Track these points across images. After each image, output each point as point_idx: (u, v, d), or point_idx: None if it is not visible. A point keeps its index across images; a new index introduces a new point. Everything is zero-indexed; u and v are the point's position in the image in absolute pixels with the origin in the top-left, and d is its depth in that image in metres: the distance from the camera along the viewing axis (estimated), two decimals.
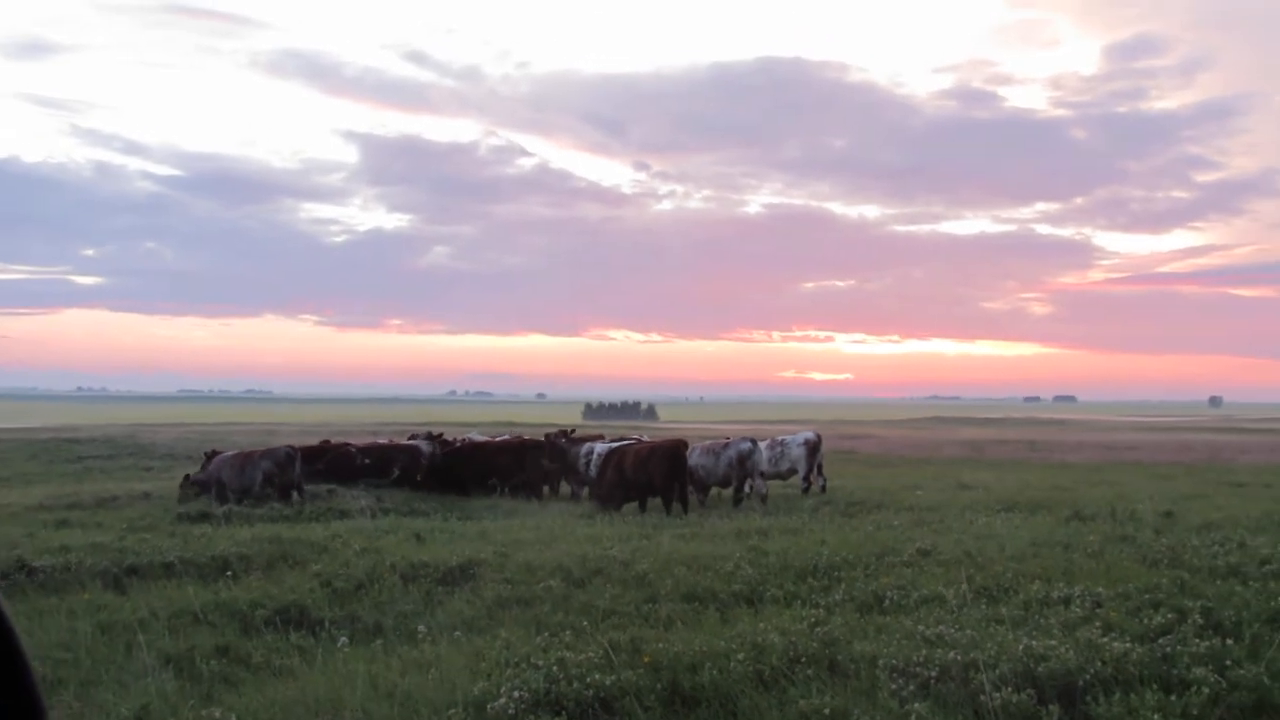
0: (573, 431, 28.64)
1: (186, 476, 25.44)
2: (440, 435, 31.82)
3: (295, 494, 23.71)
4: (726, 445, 24.08)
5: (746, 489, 25.28)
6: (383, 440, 33.14)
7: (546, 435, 27.72)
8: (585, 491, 25.29)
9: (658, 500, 22.61)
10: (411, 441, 29.63)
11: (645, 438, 29.41)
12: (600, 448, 27.55)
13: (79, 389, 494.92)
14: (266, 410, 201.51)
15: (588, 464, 25.76)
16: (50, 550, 15.24)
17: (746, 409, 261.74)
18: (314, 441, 32.43)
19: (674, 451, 22.81)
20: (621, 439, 27.73)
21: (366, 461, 27.19)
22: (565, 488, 27.57)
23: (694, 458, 23.62)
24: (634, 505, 23.33)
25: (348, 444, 29.83)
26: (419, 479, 26.70)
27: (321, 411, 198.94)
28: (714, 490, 24.83)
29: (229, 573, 13.83)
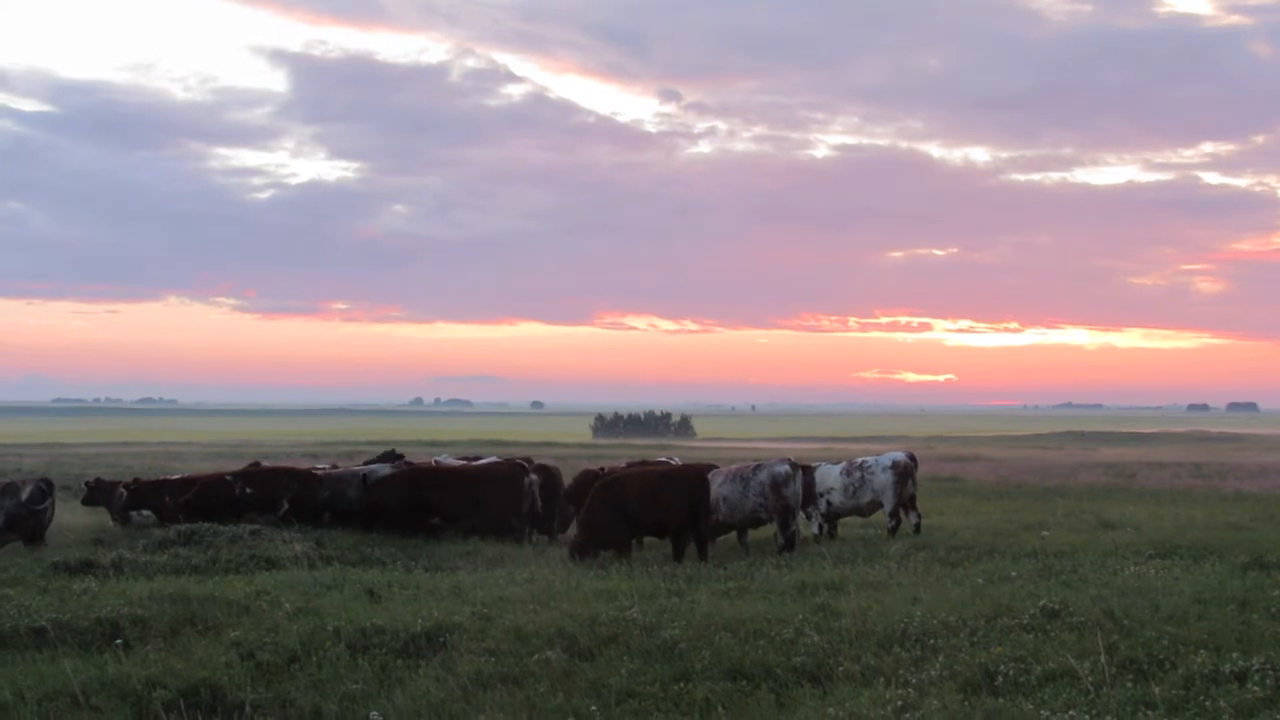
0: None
1: None
2: (401, 456, 31.90)
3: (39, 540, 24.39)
4: (757, 468, 24.05)
5: (816, 527, 25.20)
6: (324, 465, 33.20)
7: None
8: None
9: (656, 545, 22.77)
10: (366, 466, 29.71)
11: (677, 460, 29.40)
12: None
13: None
14: (169, 425, 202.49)
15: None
16: None
17: (814, 421, 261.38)
18: (237, 467, 32.54)
19: (697, 478, 22.90)
20: (605, 468, 27.67)
21: (248, 491, 27.31)
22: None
23: (716, 486, 23.62)
24: (653, 551, 23.36)
25: (266, 467, 29.94)
26: (318, 514, 26.81)
27: (243, 426, 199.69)
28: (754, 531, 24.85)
29: (119, 641, 13.91)
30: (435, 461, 30.85)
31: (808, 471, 25.58)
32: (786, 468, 23.77)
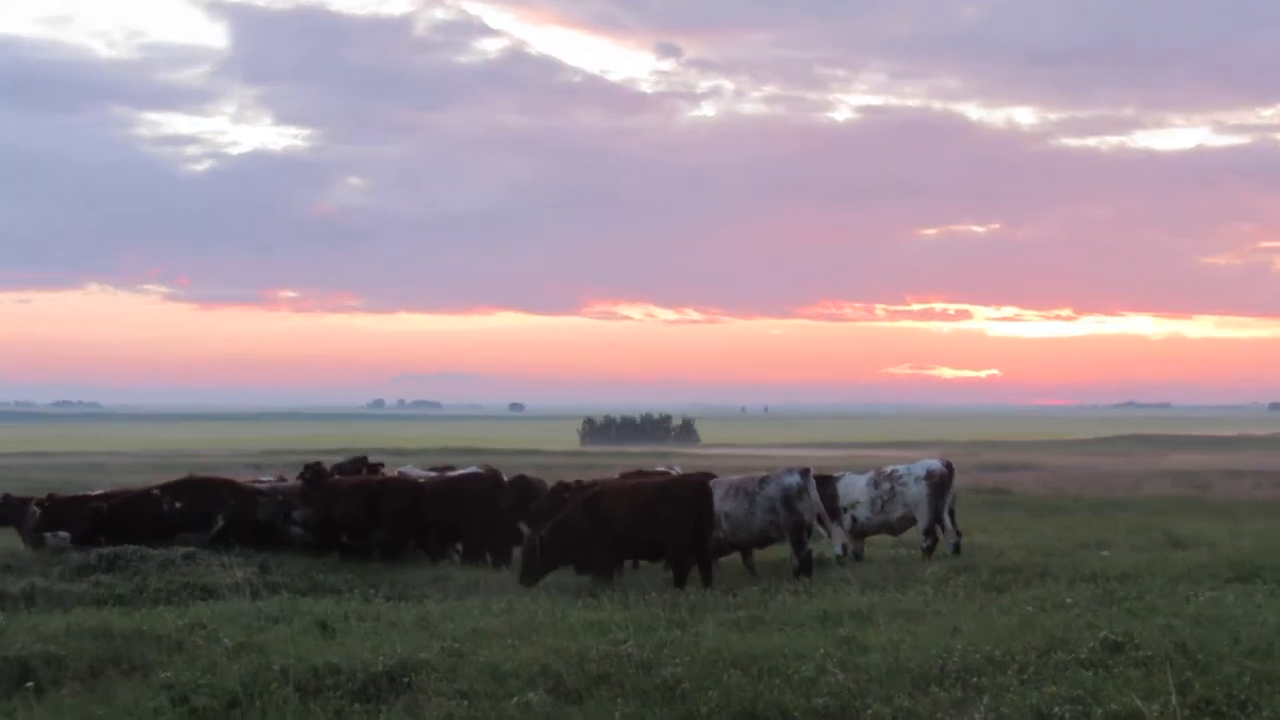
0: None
1: None
2: (379, 466, 31.77)
3: None
4: (765, 480, 24.06)
5: (840, 547, 25.22)
6: (268, 478, 33.15)
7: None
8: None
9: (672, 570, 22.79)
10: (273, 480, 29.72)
11: (678, 470, 29.40)
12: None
13: None
14: (90, 432, 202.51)
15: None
16: None
17: (837, 425, 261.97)
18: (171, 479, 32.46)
19: (699, 489, 22.94)
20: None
21: (177, 506, 27.29)
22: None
23: (717, 501, 23.62)
24: (658, 575, 23.37)
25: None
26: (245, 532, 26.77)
27: (176, 433, 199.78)
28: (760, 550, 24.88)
29: (30, 684, 13.91)
30: (399, 473, 30.85)
31: (830, 483, 25.62)
32: (798, 478, 23.78)
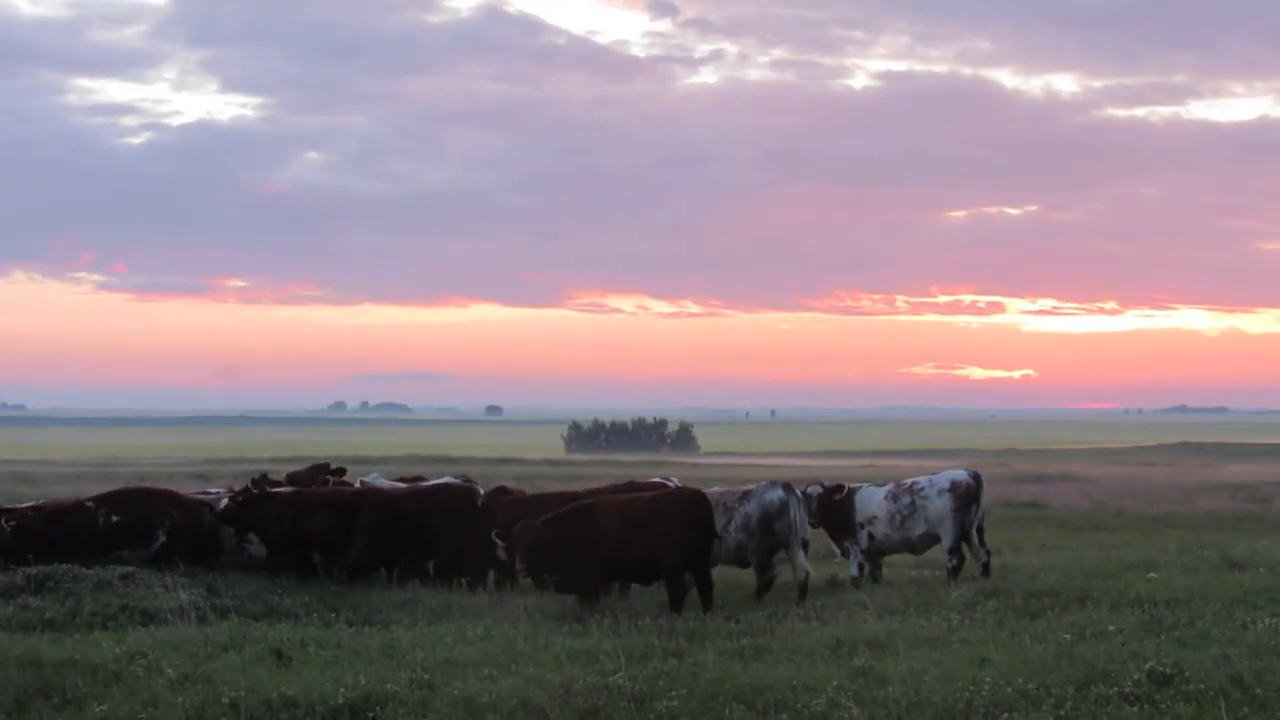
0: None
1: None
2: (341, 470, 31.68)
3: None
4: (745, 495, 24.16)
5: (856, 567, 25.28)
6: (216, 489, 33.08)
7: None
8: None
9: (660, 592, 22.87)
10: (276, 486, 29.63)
11: (676, 482, 29.44)
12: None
13: None
14: (16, 438, 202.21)
15: None
16: None
17: (853, 430, 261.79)
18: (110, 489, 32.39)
19: (697, 501, 23.06)
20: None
21: (114, 519, 27.21)
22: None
23: None
24: (652, 598, 23.40)
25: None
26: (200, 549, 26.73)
27: (111, 439, 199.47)
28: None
29: None
30: (360, 484, 30.83)
31: (847, 495, 25.68)
32: (779, 493, 23.90)
